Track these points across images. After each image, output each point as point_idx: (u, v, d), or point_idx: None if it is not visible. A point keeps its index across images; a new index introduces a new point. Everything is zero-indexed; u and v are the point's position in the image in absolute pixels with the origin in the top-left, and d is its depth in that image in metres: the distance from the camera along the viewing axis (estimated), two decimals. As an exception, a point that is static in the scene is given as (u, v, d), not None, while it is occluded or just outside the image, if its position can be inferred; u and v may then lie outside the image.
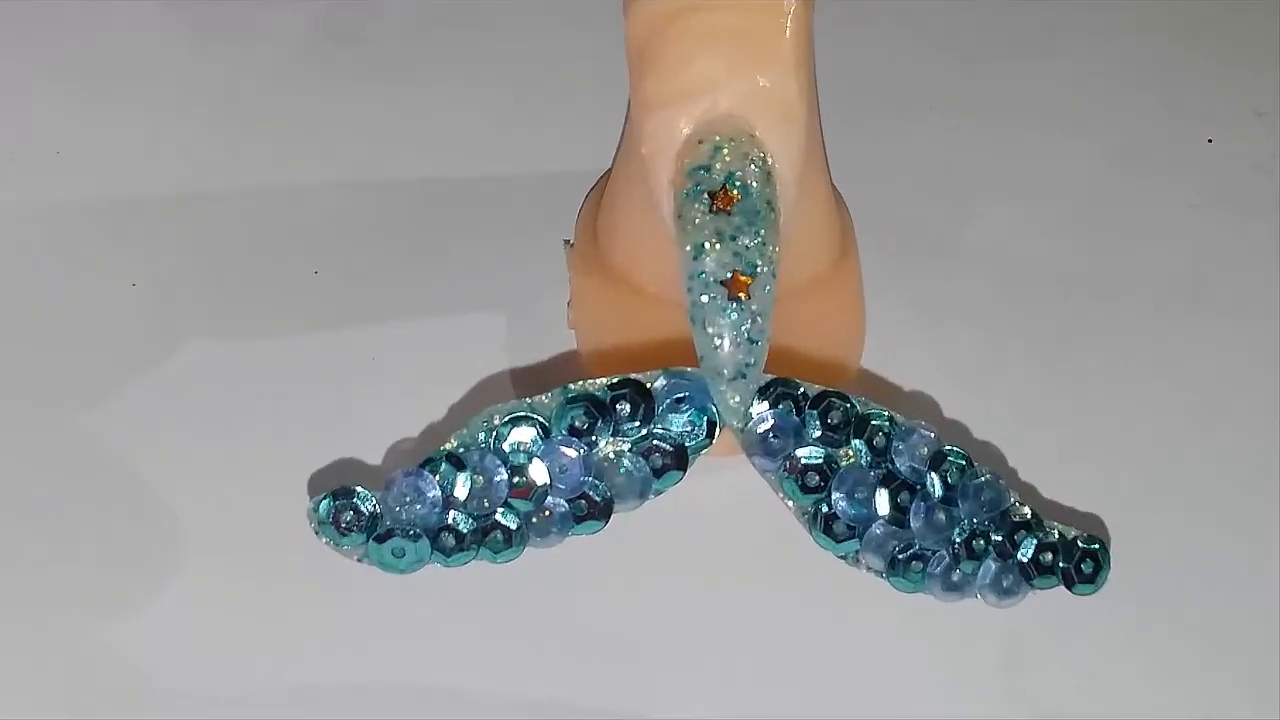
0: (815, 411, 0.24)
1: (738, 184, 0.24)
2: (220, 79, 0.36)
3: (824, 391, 0.24)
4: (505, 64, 0.36)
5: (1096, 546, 0.25)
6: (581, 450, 0.24)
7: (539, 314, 0.29)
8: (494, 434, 0.24)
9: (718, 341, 0.23)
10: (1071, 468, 0.27)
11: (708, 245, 0.23)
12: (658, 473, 0.24)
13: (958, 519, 0.24)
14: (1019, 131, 0.35)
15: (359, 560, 0.24)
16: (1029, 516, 0.25)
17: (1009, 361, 0.30)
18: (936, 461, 0.24)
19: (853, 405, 0.24)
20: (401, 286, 0.31)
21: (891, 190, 0.33)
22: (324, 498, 0.24)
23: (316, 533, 0.24)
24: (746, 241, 0.23)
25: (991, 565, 0.24)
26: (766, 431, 0.24)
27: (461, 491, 0.24)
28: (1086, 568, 0.25)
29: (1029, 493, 0.27)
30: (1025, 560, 0.24)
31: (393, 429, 0.28)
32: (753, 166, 0.24)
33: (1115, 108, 0.35)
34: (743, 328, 0.23)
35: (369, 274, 0.31)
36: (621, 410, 0.24)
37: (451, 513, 0.24)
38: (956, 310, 0.31)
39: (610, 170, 0.29)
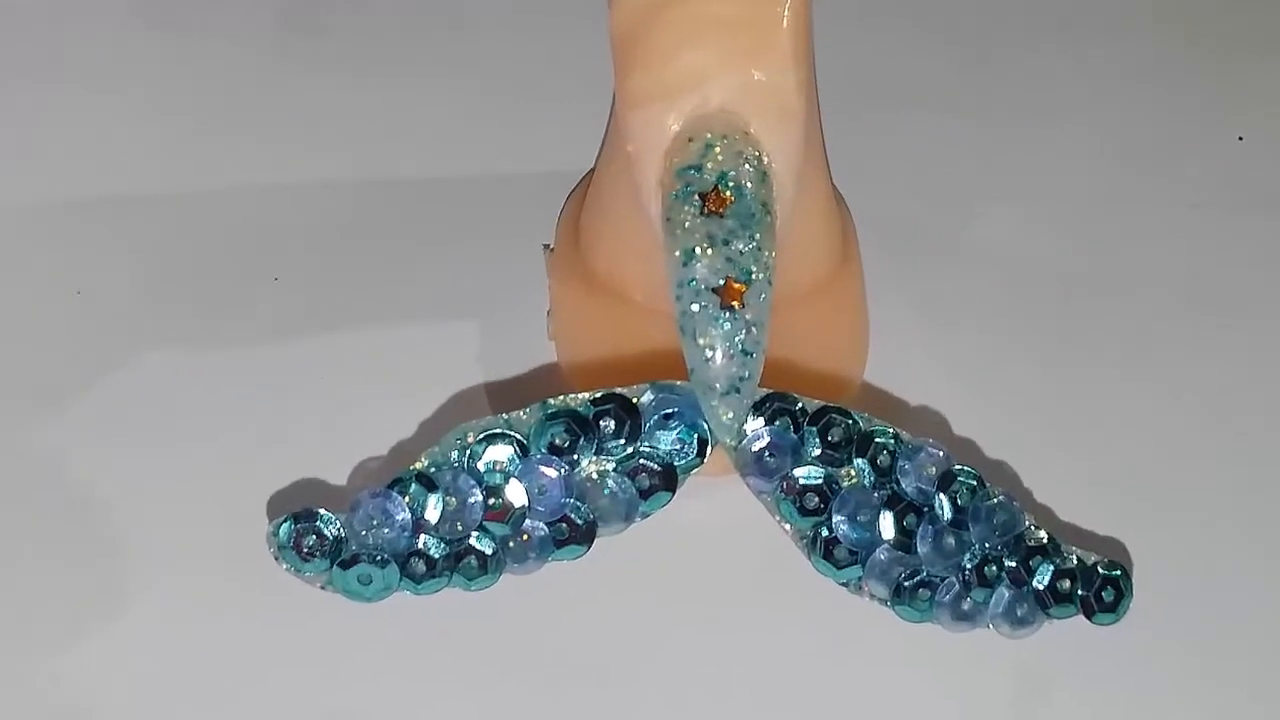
0: (814, 428, 0.24)
1: (731, 185, 0.24)
2: (177, 75, 0.35)
3: (824, 407, 0.24)
4: (480, 57, 0.36)
5: (1118, 573, 0.25)
6: (562, 470, 0.24)
7: (517, 324, 0.29)
8: (468, 452, 0.24)
9: (709, 353, 0.23)
10: (1089, 487, 0.27)
11: (698, 250, 0.23)
12: (645, 494, 0.24)
13: (968, 543, 0.24)
14: (1024, 128, 0.35)
15: (322, 588, 0.24)
16: (1045, 541, 0.25)
17: (1020, 371, 0.30)
18: (945, 482, 0.24)
19: (855, 422, 0.24)
20: (369, 293, 0.31)
21: (894, 190, 0.33)
22: (284, 521, 0.24)
23: (276, 558, 0.24)
24: (740, 246, 0.23)
25: (1005, 593, 0.24)
26: (762, 450, 0.24)
27: (433, 514, 0.24)
28: (1107, 596, 0.25)
29: (1045, 515, 0.27)
30: (1041, 588, 0.24)
31: (359, 447, 0.28)
32: (747, 166, 0.24)
33: (1122, 103, 0.36)
34: (736, 339, 0.23)
35: (334, 280, 0.31)
36: (605, 427, 0.24)
37: (422, 537, 0.24)
38: (962, 316, 0.31)
39: (593, 170, 0.29)
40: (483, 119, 0.35)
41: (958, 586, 0.24)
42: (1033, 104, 0.36)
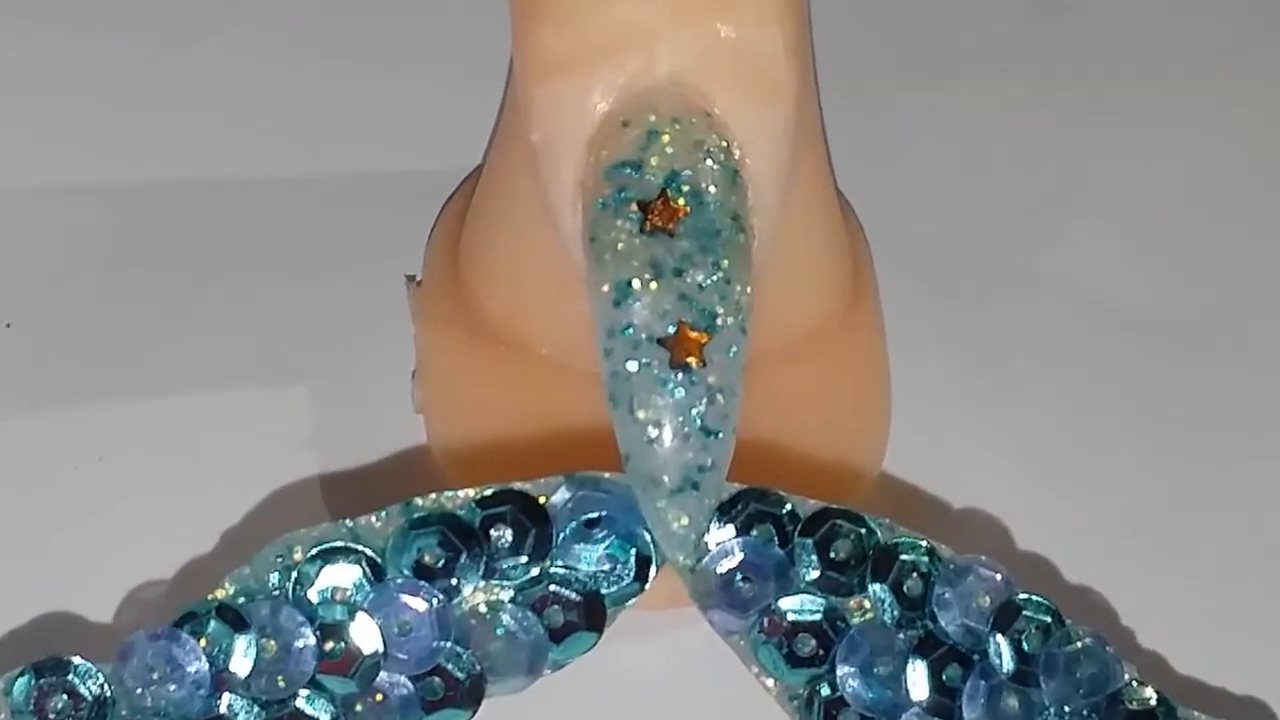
0: (810, 540, 0.24)
1: (686, 189, 0.23)
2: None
3: (824, 509, 0.24)
4: (311, 12, 0.36)
5: (1262, 751, 0.25)
6: (434, 600, 0.23)
7: (366, 390, 0.30)
8: (294, 575, 0.23)
9: (653, 432, 0.23)
10: (1218, 626, 0.27)
11: (637, 284, 0.23)
12: (557, 634, 0.24)
13: (1040, 706, 0.24)
14: (1112, 114, 0.35)
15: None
16: (1154, 702, 0.24)
17: (1113, 458, 0.30)
18: (1005, 617, 0.24)
19: (870, 531, 0.24)
20: (148, 346, 0.31)
21: (925, 200, 0.33)
22: (21, 674, 0.23)
23: (10, 728, 0.24)
24: (700, 278, 0.23)
25: (1094, 779, 0.25)
26: (732, 572, 0.23)
27: (242, 664, 0.23)
28: (1246, 782, 0.25)
29: (1154, 665, 0.27)
30: (1148, 771, 0.25)
31: (131, 567, 0.28)
32: (709, 163, 0.24)
33: (1250, 82, 0.36)
34: (693, 411, 0.23)
35: (94, 327, 0.31)
36: (499, 539, 0.23)
37: (226, 697, 0.23)
38: (1025, 378, 0.31)
39: (479, 170, 0.30)
40: (315, 96, 0.35)
41: (1023, 771, 0.25)
42: (1124, 80, 0.36)
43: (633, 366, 0.23)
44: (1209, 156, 0.35)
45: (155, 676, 0.23)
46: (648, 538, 0.24)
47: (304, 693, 0.23)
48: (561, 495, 0.24)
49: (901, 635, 0.24)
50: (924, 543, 0.24)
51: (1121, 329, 0.32)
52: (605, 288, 0.23)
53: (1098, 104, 0.36)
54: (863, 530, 0.24)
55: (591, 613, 0.23)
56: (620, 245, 0.23)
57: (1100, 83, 0.36)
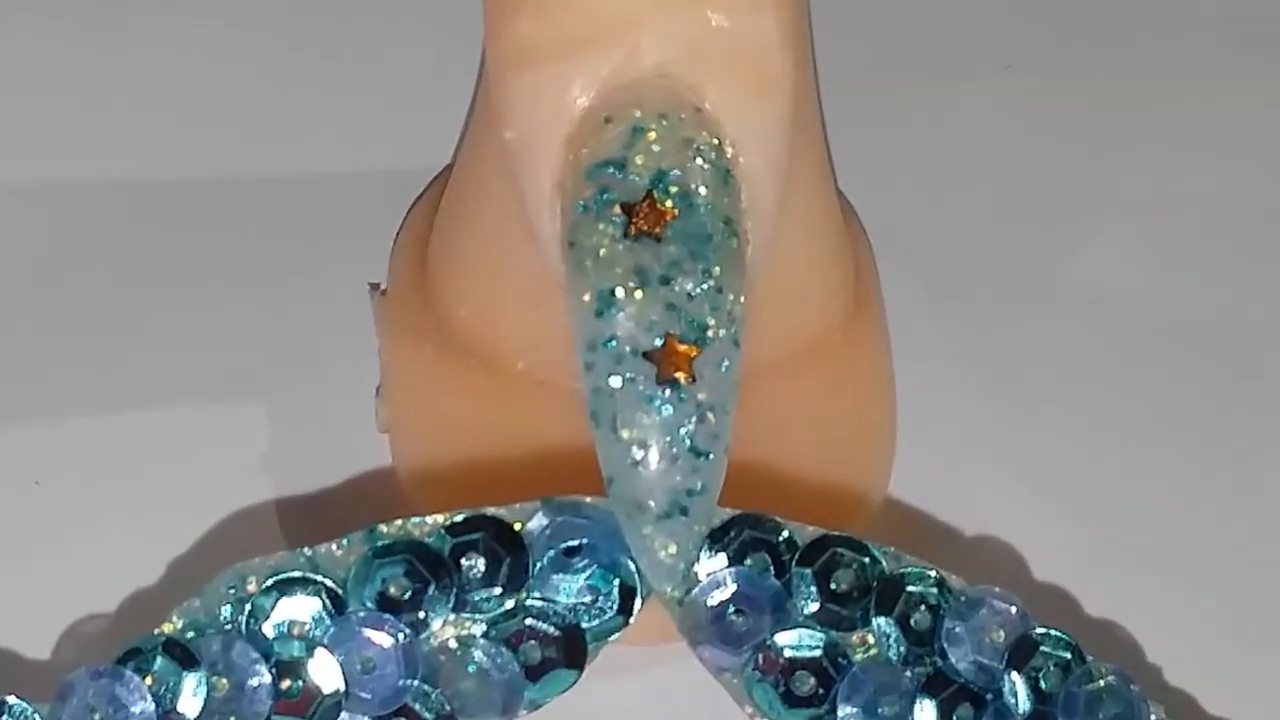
0: (809, 570, 0.24)
1: (674, 191, 0.23)
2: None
3: (824, 536, 0.24)
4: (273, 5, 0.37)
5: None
6: (401, 635, 0.23)
7: (326, 407, 0.30)
8: (248, 608, 0.23)
9: (639, 453, 0.23)
10: (1251, 661, 0.27)
11: (621, 293, 0.23)
12: (534, 672, 0.23)
13: None
14: (1135, 110, 0.35)
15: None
16: None
17: (1139, 482, 0.30)
18: (1021, 653, 0.24)
19: (874, 560, 0.24)
20: (87, 358, 0.31)
21: (935, 204, 0.33)
22: None
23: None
24: (689, 286, 0.23)
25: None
26: (724, 605, 0.23)
27: (191, 704, 0.23)
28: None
29: (1183, 705, 0.27)
30: (1175, 821, 0.25)
31: (71, 599, 0.27)
32: (699, 162, 0.23)
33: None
34: (682, 431, 0.23)
35: (28, 338, 0.31)
36: (470, 569, 0.23)
37: None
38: (1044, 395, 0.31)
39: (449, 170, 0.30)
40: (269, 89, 0.35)
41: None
42: (1145, 73, 0.36)
43: (616, 382, 0.23)
44: (1238, 155, 0.35)
45: (97, 717, 0.23)
46: (632, 567, 0.23)
47: (259, 735, 0.24)
48: (538, 521, 0.23)
49: (908, 673, 0.24)
50: (933, 573, 0.24)
51: (1145, 340, 0.32)
52: (586, 297, 0.23)
53: (1118, 98, 0.36)
54: (866, 559, 0.24)
55: (571, 648, 0.23)
56: (602, 251, 0.23)
57: (1120, 75, 0.36)
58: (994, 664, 0.24)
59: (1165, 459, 0.30)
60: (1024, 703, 0.24)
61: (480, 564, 0.23)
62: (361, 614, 0.23)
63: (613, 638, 0.24)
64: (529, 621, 0.23)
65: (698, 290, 0.23)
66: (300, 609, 0.23)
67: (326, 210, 0.33)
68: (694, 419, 0.23)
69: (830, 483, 0.27)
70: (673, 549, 0.23)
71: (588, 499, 0.24)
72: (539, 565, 0.23)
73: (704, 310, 0.23)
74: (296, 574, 0.23)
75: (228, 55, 0.35)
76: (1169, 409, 0.31)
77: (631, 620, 0.24)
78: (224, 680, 0.23)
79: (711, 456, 0.23)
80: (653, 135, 0.23)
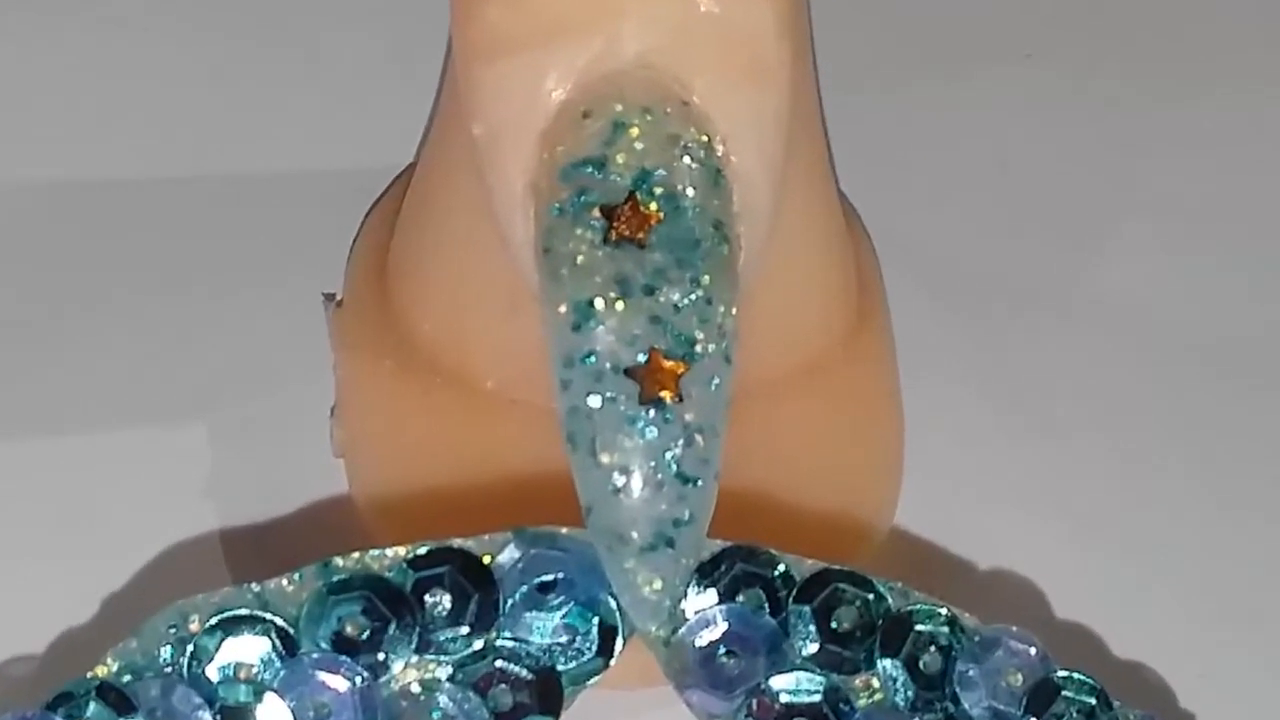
0: (808, 607, 0.24)
1: (657, 192, 0.23)
2: None
3: (824, 571, 0.24)
4: None
5: None
6: (358, 679, 0.23)
7: (276, 429, 0.30)
8: (190, 649, 0.23)
9: (620, 479, 0.23)
10: None
11: (600, 304, 0.23)
12: (505, 719, 0.23)
13: None
14: (1165, 104, 0.35)
15: None
16: None
17: (1168, 508, 0.30)
18: (1041, 699, 0.24)
19: (879, 596, 0.24)
20: (9, 377, 0.31)
21: (946, 208, 0.33)
22: None
23: None
24: (675, 297, 0.23)
25: None
26: (714, 645, 0.23)
27: None
28: None
29: None
30: None
31: (1, 637, 0.28)
32: (687, 160, 0.24)
33: None
34: (668, 455, 0.23)
35: None
36: (435, 606, 0.23)
37: None
38: (1067, 415, 0.31)
39: (412, 169, 0.30)
40: (210, 80, 0.35)
41: None
42: (1177, 64, 0.36)
43: (595, 402, 0.23)
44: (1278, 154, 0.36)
45: (24, 770, 0.23)
46: (613, 604, 0.23)
47: (202, 789, 0.23)
48: (510, 554, 0.23)
49: (917, 719, 0.24)
50: (943, 610, 0.24)
51: (1177, 357, 0.32)
52: (562, 308, 0.23)
53: (1147, 91, 0.36)
54: (870, 596, 0.24)
55: (545, 693, 0.23)
56: (580, 258, 0.23)
57: (1150, 66, 0.36)
58: (1011, 710, 0.24)
59: (1198, 487, 0.30)
60: (1044, 753, 0.24)
61: (445, 600, 0.23)
62: (315, 655, 0.23)
63: (591, 681, 0.24)
64: (499, 664, 0.23)
65: (685, 301, 0.23)
66: (247, 650, 0.23)
67: (276, 213, 0.33)
68: (681, 442, 0.23)
69: (831, 512, 0.27)
70: (657, 584, 0.23)
71: (564, 530, 0.24)
72: (510, 602, 0.23)
73: (692, 323, 0.23)
74: (243, 611, 0.23)
75: (170, 48, 0.35)
76: (1202, 432, 0.31)
77: (612, 662, 0.24)
78: (164, 728, 0.23)
79: (700, 483, 0.23)
80: (635, 131, 0.23)
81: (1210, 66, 0.36)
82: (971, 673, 0.24)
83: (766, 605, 0.24)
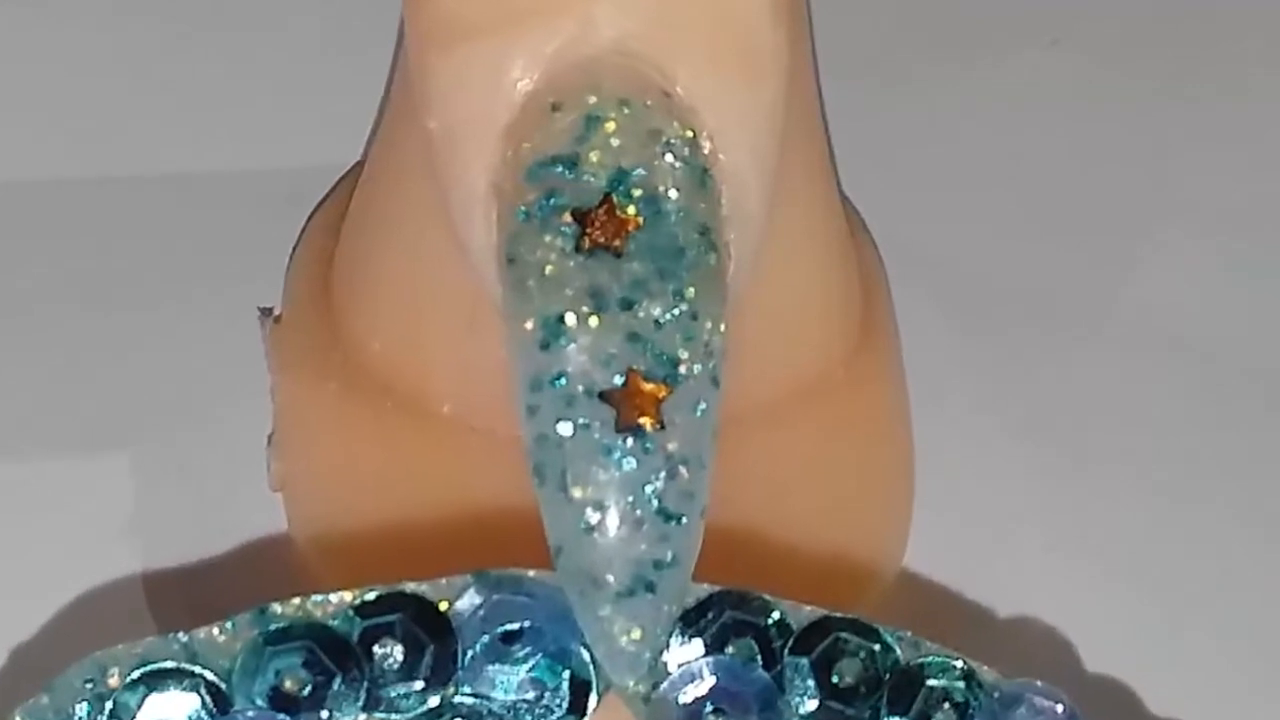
0: (806, 660, 0.24)
1: (636, 194, 0.23)
2: None
3: (824, 619, 0.24)
4: None
5: None
6: None
7: (206, 459, 0.30)
8: (109, 706, 0.23)
9: (594, 517, 0.23)
10: None
11: (572, 319, 0.23)
12: None
13: None
14: (1210, 97, 0.35)
15: None
16: None
17: (1210, 548, 0.30)
18: None
19: (886, 647, 0.24)
20: None
21: (959, 212, 0.33)
22: None
23: None
24: (656, 311, 0.23)
25: None
26: (700, 702, 0.23)
27: None
28: None
29: None
30: None
31: None
32: (670, 159, 0.24)
33: None
34: (647, 489, 0.23)
35: None
36: (385, 658, 0.23)
37: None
38: (1097, 444, 0.31)
39: (359, 169, 0.29)
40: (134, 71, 0.35)
41: None
42: (1223, 51, 0.36)
43: (566, 429, 0.23)
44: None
45: (-79, 847, 0.23)
46: (586, 656, 0.23)
47: None
48: (469, 600, 0.23)
49: (930, 787, 0.24)
50: (959, 663, 0.24)
51: (1220, 380, 0.32)
52: (529, 324, 0.23)
53: (1190, 81, 0.36)
54: (876, 646, 0.24)
55: (510, 756, 0.24)
56: (549, 268, 0.23)
57: (1193, 53, 0.36)
58: (1034, 775, 0.24)
59: (1244, 525, 0.30)
60: (1073, 823, 0.24)
61: (397, 652, 0.23)
62: (250, 713, 0.23)
63: (563, 743, 0.24)
64: (457, 722, 0.24)
65: (667, 317, 0.23)
66: (174, 707, 0.23)
67: (205, 217, 0.33)
68: (662, 474, 0.23)
69: (832, 552, 0.27)
70: (636, 633, 0.23)
71: (530, 572, 0.24)
72: (470, 654, 0.23)
73: (675, 341, 0.23)
74: (169, 664, 0.23)
75: (94, 36, 0.35)
76: (1248, 465, 0.31)
77: (585, 721, 0.24)
78: (80, 798, 0.24)
79: (684, 520, 0.23)
80: (611, 126, 0.24)
81: (1259, 54, 0.36)
82: (990, 731, 0.24)
83: (759, 657, 0.23)
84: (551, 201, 0.23)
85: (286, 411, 0.29)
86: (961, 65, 0.36)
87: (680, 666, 0.24)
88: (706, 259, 0.23)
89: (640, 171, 0.23)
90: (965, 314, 0.32)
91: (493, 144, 0.24)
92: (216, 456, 0.30)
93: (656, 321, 0.23)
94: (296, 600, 0.23)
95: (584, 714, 0.23)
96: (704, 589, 0.24)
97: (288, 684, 0.23)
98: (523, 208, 0.23)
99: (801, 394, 0.27)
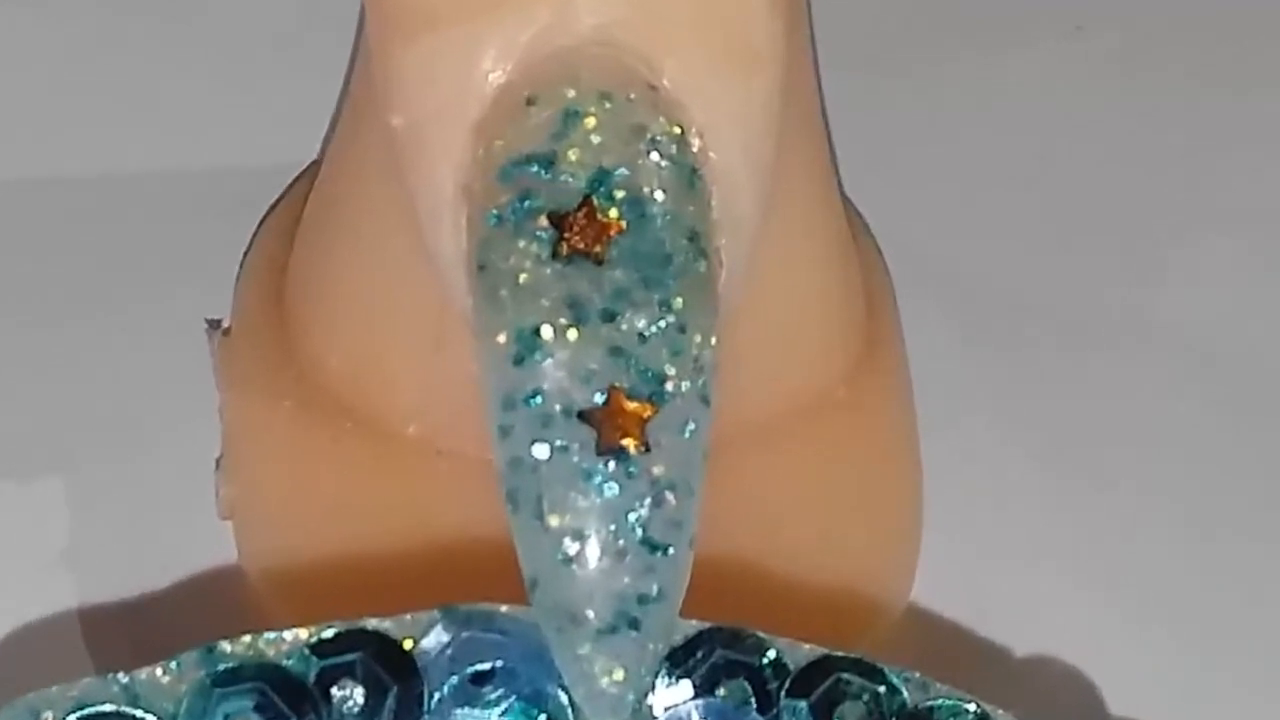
0: (804, 703, 0.24)
1: (619, 196, 0.23)
2: None
3: (824, 658, 0.24)
4: None
5: None
6: None
7: (149, 484, 0.30)
8: None
9: (572, 547, 0.23)
10: None
11: (549, 332, 0.23)
12: None
13: None
14: (1240, 93, 0.35)
15: None
16: None
17: (1243, 581, 0.30)
18: None
19: (891, 689, 0.24)
20: None
21: (969, 216, 0.33)
22: None
23: None
24: (641, 324, 0.23)
25: None
26: None
27: None
28: None
29: None
30: None
31: None
32: (655, 157, 0.24)
33: None
34: (631, 516, 0.23)
35: None
36: (344, 700, 0.23)
37: None
38: (1121, 467, 0.31)
39: (315, 169, 0.29)
40: (78, 68, 0.35)
41: None
42: (1256, 42, 0.36)
43: (542, 452, 0.23)
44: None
45: None
46: (564, 699, 0.23)
47: None
48: (437, 638, 0.23)
49: (938, 843, 0.24)
50: (971, 706, 0.24)
51: (1254, 399, 0.32)
52: (501, 338, 0.23)
53: (1221, 74, 0.36)
54: (881, 688, 0.24)
55: (480, 807, 0.24)
56: (524, 277, 0.23)
57: (1224, 44, 0.36)
58: (1052, 828, 0.25)
59: (1281, 556, 0.31)
60: None
61: (357, 694, 0.23)
62: (196, 763, 0.24)
63: (539, 794, 0.24)
64: (423, 773, 0.24)
65: (652, 329, 0.23)
66: (113, 755, 0.24)
67: (149, 221, 0.33)
68: (647, 501, 0.23)
69: (833, 586, 0.27)
70: (619, 674, 0.23)
71: (503, 608, 0.23)
72: (437, 696, 0.23)
73: (661, 356, 0.23)
74: (108, 708, 0.23)
75: (35, 32, 0.35)
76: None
77: (563, 772, 0.24)
78: None
79: (671, 551, 0.23)
80: (591, 122, 0.24)
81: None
82: (1005, 784, 0.24)
83: (754, 700, 0.24)
84: (526, 204, 0.23)
85: (236, 432, 0.29)
86: (974, 55, 0.36)
87: (667, 710, 0.23)
88: (695, 266, 0.23)
89: (623, 171, 0.23)
90: (978, 326, 0.32)
91: (462, 142, 0.24)
92: (160, 481, 0.30)
93: (641, 334, 0.23)
94: (247, 638, 0.23)
95: None
96: (693, 626, 0.24)
97: (235, 730, 0.24)
98: (495, 211, 0.23)
99: (799, 413, 0.27)
